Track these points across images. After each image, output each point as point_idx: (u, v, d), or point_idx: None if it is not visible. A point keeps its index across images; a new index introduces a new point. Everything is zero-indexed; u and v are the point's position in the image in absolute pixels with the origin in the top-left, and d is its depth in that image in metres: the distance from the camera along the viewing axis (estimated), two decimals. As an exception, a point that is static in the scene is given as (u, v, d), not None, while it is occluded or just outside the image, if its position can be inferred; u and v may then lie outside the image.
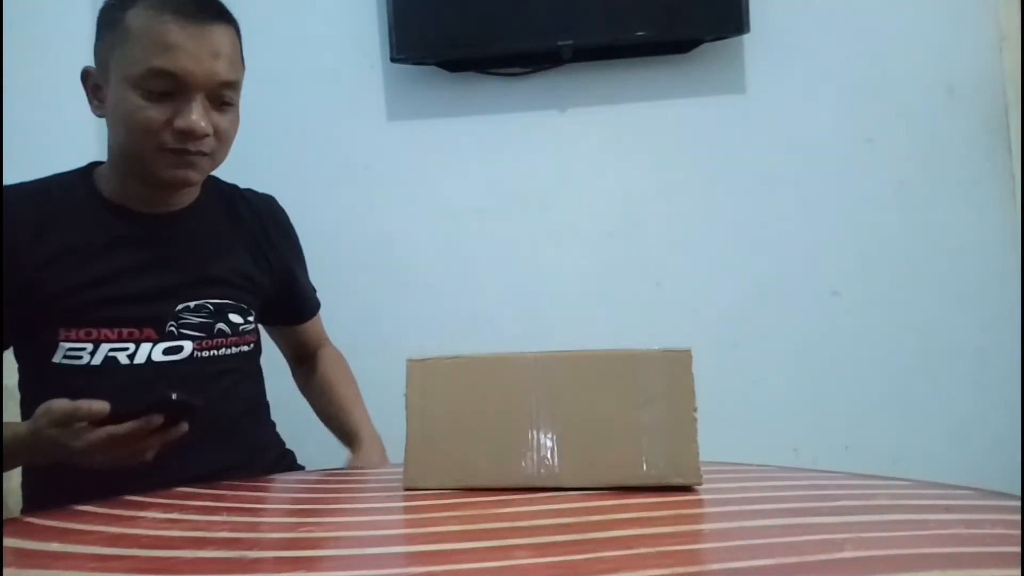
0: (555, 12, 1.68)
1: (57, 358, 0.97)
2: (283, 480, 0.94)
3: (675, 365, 0.79)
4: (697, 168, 1.73)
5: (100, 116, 1.01)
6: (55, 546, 0.61)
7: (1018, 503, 0.69)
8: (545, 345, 0.85)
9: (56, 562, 0.57)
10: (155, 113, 0.94)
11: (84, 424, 0.81)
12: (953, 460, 1.56)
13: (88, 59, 1.00)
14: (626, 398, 0.79)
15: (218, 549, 0.60)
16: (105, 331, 0.97)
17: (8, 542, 0.61)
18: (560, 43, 1.67)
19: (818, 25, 1.71)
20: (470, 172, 1.77)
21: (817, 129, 1.70)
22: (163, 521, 0.71)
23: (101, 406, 0.80)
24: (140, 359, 0.99)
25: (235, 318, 1.07)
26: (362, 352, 1.47)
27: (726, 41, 1.69)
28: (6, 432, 0.87)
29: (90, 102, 1.01)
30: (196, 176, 1.00)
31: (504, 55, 1.73)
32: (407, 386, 0.81)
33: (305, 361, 1.29)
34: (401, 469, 0.80)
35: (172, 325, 1.01)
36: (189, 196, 1.07)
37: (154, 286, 1.01)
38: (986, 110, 1.66)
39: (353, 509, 0.82)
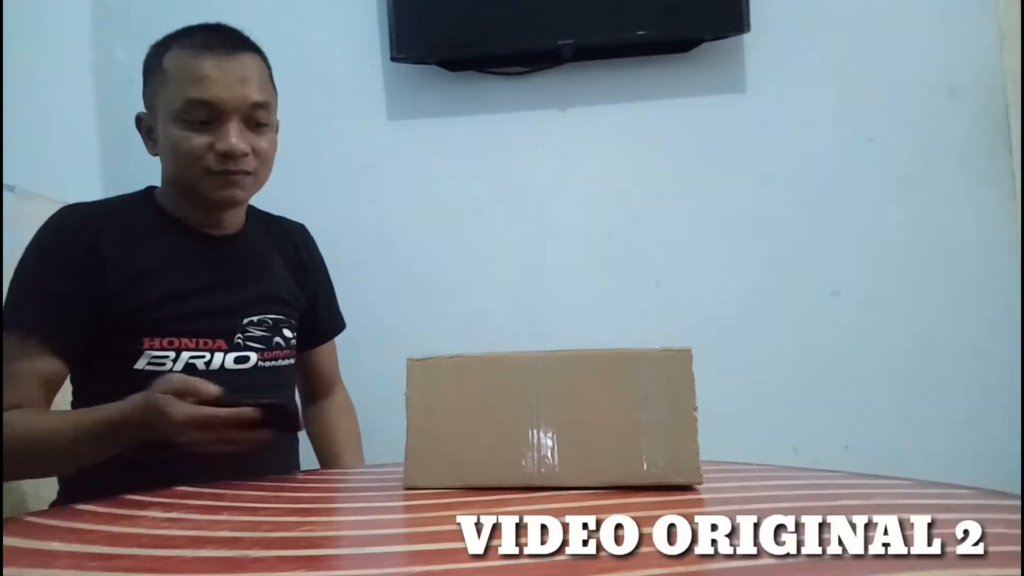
0: (555, 11, 1.68)
1: (140, 365, 1.04)
2: (283, 480, 0.94)
3: (675, 364, 0.79)
4: (697, 168, 1.73)
5: (154, 155, 1.11)
6: (55, 545, 0.61)
7: (1018, 503, 0.69)
8: (545, 345, 0.85)
9: (56, 561, 0.57)
10: (197, 141, 1.04)
11: (193, 400, 0.87)
12: (953, 460, 1.55)
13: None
14: (626, 397, 0.79)
15: (218, 548, 0.60)
16: (185, 341, 1.06)
17: (8, 541, 0.61)
18: (560, 42, 1.67)
19: (818, 25, 1.70)
20: (470, 172, 1.77)
21: (817, 128, 1.70)
22: (164, 520, 0.71)
23: (215, 388, 0.88)
24: (215, 366, 1.07)
25: (287, 333, 1.17)
26: (362, 352, 1.48)
27: (726, 41, 1.69)
28: (125, 403, 0.91)
29: (145, 143, 1.12)
30: (242, 194, 1.09)
31: (504, 54, 1.73)
32: (407, 386, 0.82)
33: (316, 399, 1.32)
34: (401, 469, 0.80)
35: (239, 337, 1.10)
36: (237, 220, 1.16)
37: (224, 302, 1.10)
38: (986, 110, 1.66)
39: (353, 509, 0.82)
